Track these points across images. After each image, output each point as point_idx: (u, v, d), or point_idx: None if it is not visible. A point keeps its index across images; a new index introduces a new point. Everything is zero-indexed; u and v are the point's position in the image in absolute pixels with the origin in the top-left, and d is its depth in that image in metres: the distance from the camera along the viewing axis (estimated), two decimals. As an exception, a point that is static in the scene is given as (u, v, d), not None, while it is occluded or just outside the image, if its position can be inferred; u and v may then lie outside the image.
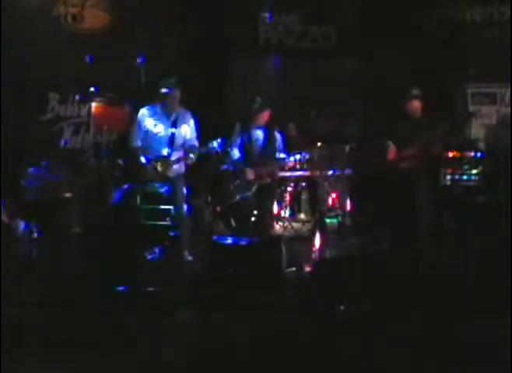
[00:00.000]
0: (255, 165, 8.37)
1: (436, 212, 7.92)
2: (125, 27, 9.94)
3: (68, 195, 8.76)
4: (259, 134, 8.66)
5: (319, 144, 9.23)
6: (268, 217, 8.58)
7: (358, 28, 10.28)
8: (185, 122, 7.64)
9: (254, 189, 8.37)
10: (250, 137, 8.57)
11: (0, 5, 9.25)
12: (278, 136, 8.81)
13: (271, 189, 8.66)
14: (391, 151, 8.05)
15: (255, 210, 8.39)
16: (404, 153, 7.95)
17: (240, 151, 8.59)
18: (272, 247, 6.89)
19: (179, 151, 7.60)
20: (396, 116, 8.31)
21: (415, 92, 8.04)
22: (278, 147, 8.75)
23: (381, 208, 8.32)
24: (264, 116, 8.59)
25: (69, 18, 9.98)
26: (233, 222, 8.52)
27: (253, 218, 8.37)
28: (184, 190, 7.66)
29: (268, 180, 8.54)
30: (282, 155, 8.67)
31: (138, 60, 9.44)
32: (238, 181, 8.40)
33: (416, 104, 8.01)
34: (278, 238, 7.84)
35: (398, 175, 7.96)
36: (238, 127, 8.47)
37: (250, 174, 8.31)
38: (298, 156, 8.71)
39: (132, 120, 7.92)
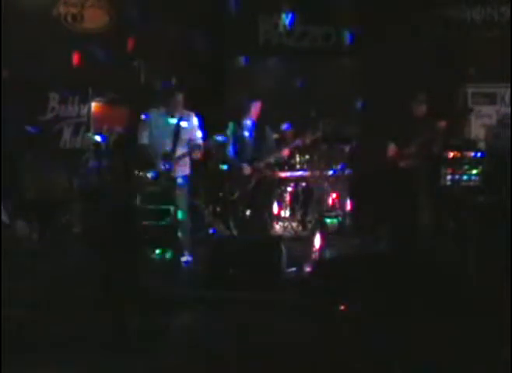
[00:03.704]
0: (249, 161, 8.27)
1: (436, 212, 7.92)
2: (125, 27, 9.94)
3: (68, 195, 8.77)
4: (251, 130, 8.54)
5: (319, 144, 9.22)
6: (265, 215, 8.49)
7: (358, 28, 10.29)
8: (189, 123, 7.72)
9: (250, 186, 8.27)
10: (242, 133, 8.46)
11: (0, 5, 9.24)
12: (270, 132, 8.74)
13: (268, 186, 8.56)
14: (391, 150, 8.06)
15: (253, 207, 8.31)
16: (403, 152, 7.96)
17: (234, 148, 8.52)
18: (272, 247, 6.89)
19: (183, 150, 7.68)
20: (396, 115, 8.32)
21: (415, 92, 8.05)
22: (271, 143, 8.66)
23: (381, 208, 8.33)
24: (255, 110, 8.53)
25: (69, 18, 9.98)
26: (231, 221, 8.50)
27: (251, 216, 8.31)
28: (187, 190, 7.73)
29: (265, 177, 8.41)
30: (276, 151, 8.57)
31: (138, 60, 9.44)
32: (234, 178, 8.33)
33: (416, 104, 8.02)
34: (278, 238, 7.83)
35: (398, 175, 7.97)
36: (232, 124, 8.40)
37: (246, 170, 8.20)
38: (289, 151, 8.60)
39: (133, 120, 7.94)
